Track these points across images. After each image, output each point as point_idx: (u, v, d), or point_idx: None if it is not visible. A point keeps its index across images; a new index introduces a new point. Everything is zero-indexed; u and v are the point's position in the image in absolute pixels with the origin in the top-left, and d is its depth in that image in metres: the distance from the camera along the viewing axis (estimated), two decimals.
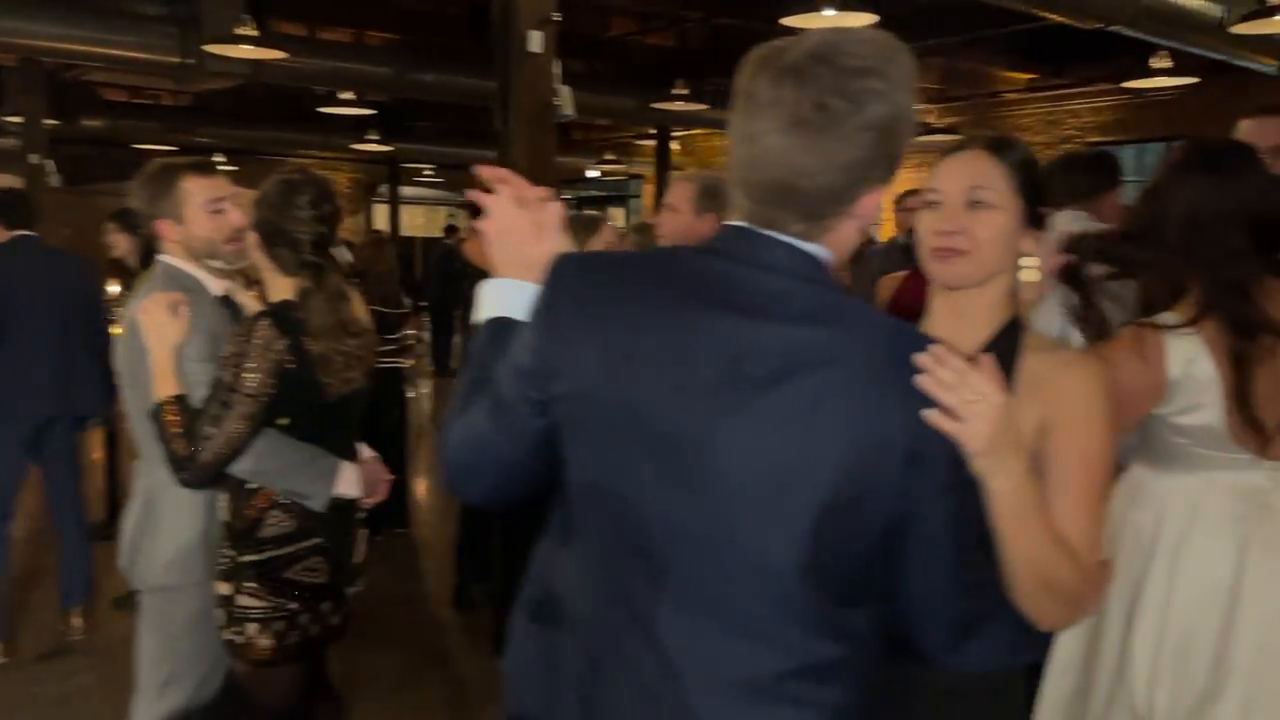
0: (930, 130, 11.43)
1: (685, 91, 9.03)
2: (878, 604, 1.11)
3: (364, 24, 9.16)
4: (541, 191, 1.30)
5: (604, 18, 8.78)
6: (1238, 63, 7.35)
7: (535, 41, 3.74)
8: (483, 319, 1.28)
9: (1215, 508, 1.82)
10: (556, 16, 3.77)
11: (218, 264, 2.42)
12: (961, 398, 1.03)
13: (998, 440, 1.06)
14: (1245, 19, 6.12)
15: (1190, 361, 1.77)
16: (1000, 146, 1.43)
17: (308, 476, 2.22)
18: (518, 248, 1.27)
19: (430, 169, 14.67)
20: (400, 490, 5.09)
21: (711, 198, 2.56)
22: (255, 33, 5.98)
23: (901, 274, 2.22)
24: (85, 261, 4.44)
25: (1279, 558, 1.77)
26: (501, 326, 1.24)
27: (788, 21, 6.08)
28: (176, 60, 7.03)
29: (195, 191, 2.36)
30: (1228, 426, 1.77)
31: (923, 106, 12.41)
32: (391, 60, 8.32)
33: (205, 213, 2.35)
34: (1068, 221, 2.72)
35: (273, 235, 2.24)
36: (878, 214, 1.13)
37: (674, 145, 15.42)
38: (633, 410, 1.08)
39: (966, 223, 1.39)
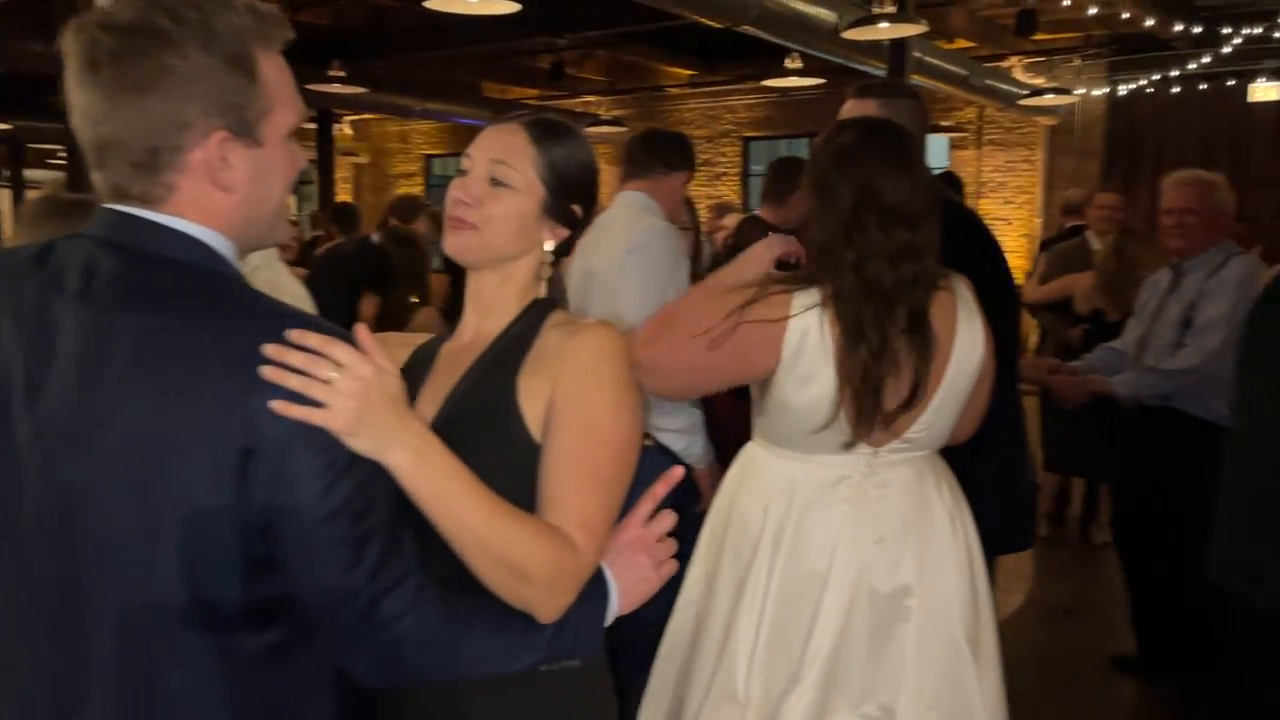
0: (598, 122, 11.73)
1: (342, 74, 8.68)
2: (287, 624, 1.00)
3: None
4: None
5: None
6: (855, 66, 8.04)
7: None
8: None
9: (813, 494, 1.83)
10: None
11: None
12: (315, 377, 0.94)
13: (372, 415, 0.97)
14: (853, 25, 6.71)
15: (807, 331, 1.75)
16: (542, 129, 1.33)
17: None
18: None
19: (65, 151, 13.24)
20: None
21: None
22: None
23: None
24: None
25: (864, 546, 1.80)
26: None
27: (432, 4, 5.97)
28: None
29: None
30: (839, 405, 1.76)
31: (591, 98, 12.72)
32: None
33: None
34: (629, 200, 2.83)
35: None
36: (227, 173, 1.02)
37: (346, 130, 14.89)
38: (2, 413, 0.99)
39: (482, 196, 1.30)
